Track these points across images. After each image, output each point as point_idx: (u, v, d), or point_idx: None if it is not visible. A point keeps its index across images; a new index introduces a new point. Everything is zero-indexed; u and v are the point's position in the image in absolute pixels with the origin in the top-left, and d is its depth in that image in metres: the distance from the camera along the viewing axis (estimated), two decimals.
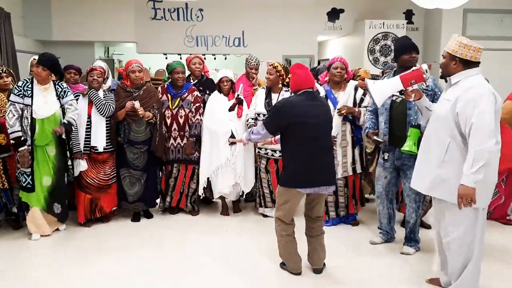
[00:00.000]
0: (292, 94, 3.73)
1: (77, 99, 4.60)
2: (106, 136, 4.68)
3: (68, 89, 4.52)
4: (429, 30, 10.11)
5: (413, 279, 3.60)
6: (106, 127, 4.67)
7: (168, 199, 5.10)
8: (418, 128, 3.71)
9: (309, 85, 3.52)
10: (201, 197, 5.20)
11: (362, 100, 4.58)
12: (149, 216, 5.09)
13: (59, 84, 4.48)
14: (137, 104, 4.61)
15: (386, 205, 4.23)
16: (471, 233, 3.00)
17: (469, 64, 2.97)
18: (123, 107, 4.67)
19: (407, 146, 3.73)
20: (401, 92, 3.67)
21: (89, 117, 4.62)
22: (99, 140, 4.64)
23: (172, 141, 4.94)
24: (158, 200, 5.21)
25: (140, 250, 4.18)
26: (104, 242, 4.36)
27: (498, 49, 8.92)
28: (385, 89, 3.55)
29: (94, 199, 4.73)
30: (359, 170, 4.69)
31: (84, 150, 4.59)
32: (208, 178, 4.98)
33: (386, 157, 4.08)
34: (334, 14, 10.18)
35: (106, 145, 4.68)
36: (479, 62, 2.99)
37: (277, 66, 4.74)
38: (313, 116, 3.42)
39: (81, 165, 4.60)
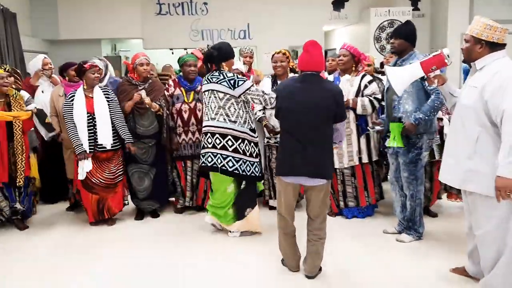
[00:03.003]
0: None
1: (72, 99, 4.54)
2: (113, 133, 4.60)
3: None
4: (436, 16, 10.01)
5: (408, 267, 3.64)
6: (112, 124, 4.61)
7: (194, 197, 5.00)
8: (399, 121, 3.80)
9: (313, 67, 3.30)
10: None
11: (366, 87, 4.51)
12: (155, 215, 5.02)
13: None
14: (143, 93, 4.59)
15: (397, 192, 4.21)
16: (504, 226, 2.85)
17: (495, 47, 2.83)
18: (130, 100, 4.65)
19: (390, 141, 3.85)
20: (423, 78, 3.56)
21: (90, 114, 4.52)
22: (106, 138, 4.55)
23: (190, 135, 4.84)
24: (173, 199, 5.17)
25: (147, 249, 4.15)
26: (109, 242, 4.34)
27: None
28: (405, 76, 3.44)
29: (101, 199, 4.67)
30: (365, 160, 4.62)
31: (89, 149, 4.53)
32: None
33: (387, 144, 4.08)
34: (339, 3, 10.11)
35: (114, 143, 4.61)
36: (505, 44, 2.84)
37: (285, 52, 4.78)
38: (301, 101, 3.23)
39: (87, 166, 4.53)
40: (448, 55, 3.22)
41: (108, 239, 4.43)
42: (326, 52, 11.49)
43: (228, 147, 4.09)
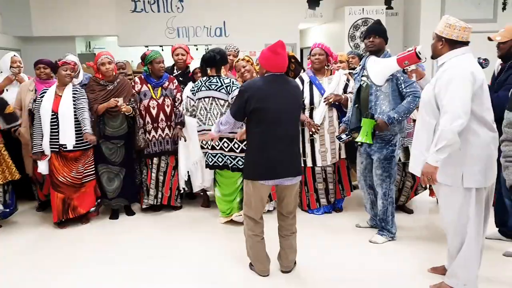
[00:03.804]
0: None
1: (43, 96, 4.49)
2: (76, 134, 4.49)
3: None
4: (408, 15, 10.18)
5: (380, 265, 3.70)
6: (75, 124, 4.49)
7: (159, 195, 4.97)
8: (372, 118, 3.84)
9: (283, 69, 3.28)
10: (185, 192, 5.18)
11: (346, 85, 4.65)
12: (130, 213, 4.99)
13: None
14: (120, 101, 4.53)
15: (366, 190, 4.29)
16: (464, 215, 2.95)
17: (455, 44, 2.95)
18: (99, 100, 4.59)
19: (360, 136, 3.90)
20: (404, 71, 3.73)
21: (55, 113, 4.45)
22: (68, 138, 4.45)
23: (160, 132, 4.82)
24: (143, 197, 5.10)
25: (119, 251, 4.10)
26: (81, 244, 4.28)
27: (475, 31, 9.04)
28: (384, 69, 3.69)
29: (66, 199, 4.58)
30: (343, 156, 4.77)
31: (52, 148, 4.47)
32: (188, 172, 4.96)
33: (359, 143, 4.14)
34: (314, 1, 10.14)
35: (76, 143, 4.50)
36: (467, 42, 2.97)
37: (244, 58, 4.73)
38: (277, 101, 3.19)
39: (41, 167, 4.50)
40: (419, 52, 3.41)
41: (83, 239, 4.41)
42: (302, 51, 11.58)
43: (235, 149, 4.30)
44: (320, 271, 3.57)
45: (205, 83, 4.30)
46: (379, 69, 3.70)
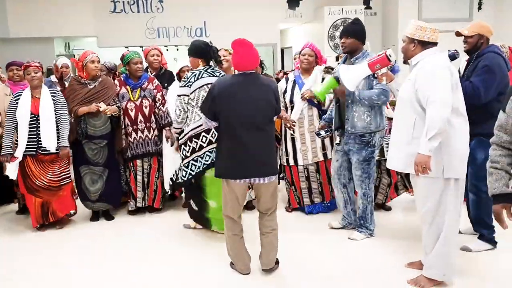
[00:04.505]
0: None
1: (18, 98, 4.42)
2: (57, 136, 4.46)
3: None
4: (387, 15, 10.31)
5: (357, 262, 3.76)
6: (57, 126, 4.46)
7: (145, 197, 4.93)
8: (337, 80, 3.91)
9: (252, 66, 3.29)
10: (168, 193, 5.17)
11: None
12: (109, 218, 4.92)
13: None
14: (102, 106, 4.50)
15: (339, 189, 4.32)
16: (443, 205, 3.08)
17: (427, 45, 3.14)
18: (79, 99, 4.55)
19: (319, 87, 4.01)
20: (374, 76, 3.79)
21: (35, 115, 4.38)
22: (50, 141, 4.38)
23: (140, 134, 4.78)
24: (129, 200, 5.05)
25: (100, 253, 4.08)
26: (62, 247, 4.25)
27: (451, 30, 9.18)
28: (356, 74, 3.74)
29: (45, 203, 4.52)
30: (330, 156, 4.72)
31: (29, 151, 4.39)
32: (174, 174, 4.92)
33: (338, 141, 4.20)
34: (294, 1, 10.21)
35: (57, 145, 4.45)
36: (437, 42, 3.17)
37: (229, 51, 4.71)
38: (246, 102, 3.19)
39: (9, 170, 4.40)
40: (390, 55, 3.52)
41: (63, 241, 4.38)
42: (282, 50, 11.63)
43: (213, 140, 4.04)
44: (300, 269, 3.61)
45: (206, 71, 4.07)
46: (350, 76, 3.75)
